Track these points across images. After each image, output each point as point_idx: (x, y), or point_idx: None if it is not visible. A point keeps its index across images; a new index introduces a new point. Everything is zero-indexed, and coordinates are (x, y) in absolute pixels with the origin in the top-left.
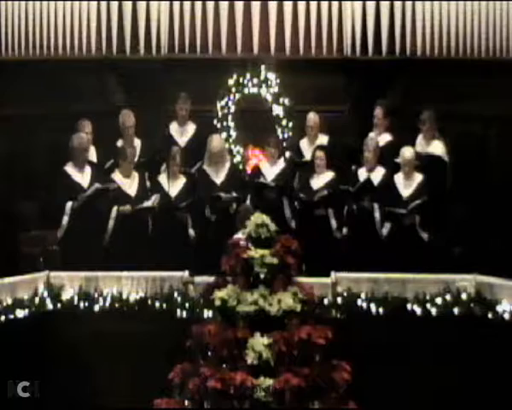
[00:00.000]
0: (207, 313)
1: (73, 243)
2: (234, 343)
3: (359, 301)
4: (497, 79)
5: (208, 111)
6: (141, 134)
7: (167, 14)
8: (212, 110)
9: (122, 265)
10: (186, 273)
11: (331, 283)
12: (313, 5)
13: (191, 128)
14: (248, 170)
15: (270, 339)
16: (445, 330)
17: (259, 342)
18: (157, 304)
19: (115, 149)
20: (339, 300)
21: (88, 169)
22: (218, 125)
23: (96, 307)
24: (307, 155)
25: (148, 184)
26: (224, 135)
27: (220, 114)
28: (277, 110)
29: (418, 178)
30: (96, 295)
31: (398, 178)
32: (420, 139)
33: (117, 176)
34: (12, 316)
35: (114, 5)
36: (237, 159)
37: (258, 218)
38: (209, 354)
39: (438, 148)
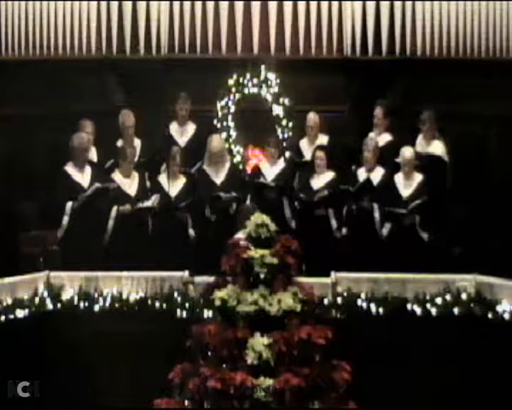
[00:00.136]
0: (207, 313)
1: (73, 243)
2: (234, 343)
3: (359, 301)
4: (497, 79)
5: (208, 111)
6: (141, 134)
7: (167, 14)
8: (212, 110)
9: (122, 265)
10: (186, 273)
11: (331, 283)
12: (313, 5)
13: (191, 128)
14: (248, 170)
15: (270, 339)
16: (445, 330)
17: (259, 342)
18: (157, 304)
19: (115, 149)
20: (339, 300)
21: (88, 169)
22: (218, 125)
23: (96, 307)
24: (307, 155)
25: (148, 184)
26: (224, 135)
27: (220, 114)
28: (277, 110)
29: (418, 178)
30: (96, 295)
31: (398, 178)
32: (420, 139)
33: (117, 176)
34: (12, 316)
35: (114, 5)
36: (237, 159)
37: (258, 218)
38: (209, 354)
39: (438, 148)
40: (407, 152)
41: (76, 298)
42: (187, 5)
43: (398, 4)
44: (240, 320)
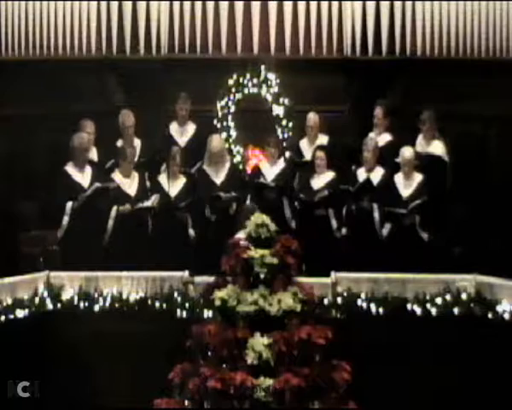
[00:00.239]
0: (207, 313)
1: (73, 243)
2: (234, 343)
3: (359, 301)
4: (497, 79)
5: (208, 111)
6: (141, 134)
7: (167, 14)
8: (212, 110)
9: (122, 265)
10: (186, 273)
11: (331, 283)
12: (313, 5)
13: (191, 128)
14: (248, 170)
15: (270, 339)
16: (445, 330)
17: (259, 342)
18: (157, 304)
19: (115, 149)
20: (339, 300)
21: (88, 169)
22: (218, 125)
23: (96, 307)
24: (307, 155)
25: (148, 184)
26: (224, 135)
27: (220, 114)
28: (277, 110)
29: (418, 178)
30: (96, 295)
31: (398, 178)
32: (420, 139)
33: (117, 176)
34: (12, 316)
35: (114, 5)
36: (237, 159)
37: (258, 218)
38: (209, 354)
39: (438, 148)
40: (407, 152)
41: (76, 298)
42: (187, 5)
43: (398, 4)
44: (240, 320)
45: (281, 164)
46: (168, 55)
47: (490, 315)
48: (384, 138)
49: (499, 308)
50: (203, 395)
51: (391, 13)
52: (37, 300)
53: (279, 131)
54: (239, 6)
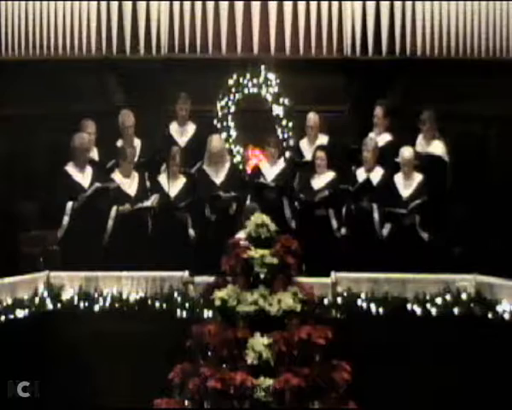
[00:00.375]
0: (207, 313)
1: (73, 243)
2: (234, 343)
3: (359, 301)
4: (497, 79)
5: (208, 111)
6: (141, 134)
7: (167, 14)
8: (212, 110)
9: (122, 265)
10: (186, 273)
11: (331, 283)
12: (313, 5)
13: (191, 128)
14: (248, 170)
15: (270, 339)
16: (445, 330)
17: (259, 342)
18: (157, 304)
19: (115, 149)
20: (339, 300)
21: (89, 169)
22: (218, 125)
23: (96, 307)
24: (307, 155)
25: (147, 184)
26: (224, 135)
27: (220, 114)
28: (277, 110)
29: (418, 178)
30: (96, 295)
31: (398, 178)
32: (420, 139)
33: (117, 176)
34: (12, 316)
35: (114, 5)
36: (237, 159)
37: (258, 218)
38: (209, 354)
39: (438, 148)
40: (406, 152)
41: (76, 298)
42: (187, 5)
43: (398, 4)
44: (240, 320)
45: (281, 164)
46: (168, 55)
47: (490, 315)
48: (384, 138)
49: (499, 308)
50: (203, 395)
51: (391, 13)
52: (37, 300)
53: (279, 131)
54: (239, 6)
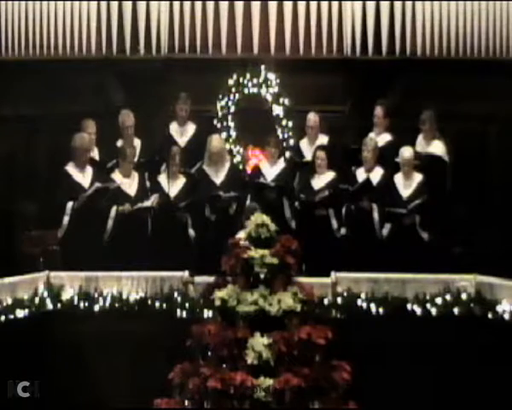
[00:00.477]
0: (207, 313)
1: (73, 243)
2: (234, 343)
3: (359, 301)
4: (497, 79)
5: (208, 111)
6: (141, 134)
7: (167, 14)
8: (212, 110)
9: (122, 265)
10: (186, 273)
11: (331, 283)
12: (313, 5)
13: (191, 128)
14: (248, 170)
15: (270, 339)
16: (445, 330)
17: (259, 342)
18: (157, 304)
19: (115, 149)
20: (339, 300)
21: (89, 169)
22: (218, 125)
23: (96, 307)
24: (307, 155)
25: (147, 184)
26: (224, 135)
27: (220, 114)
28: (277, 110)
29: (418, 177)
30: (96, 295)
31: (398, 178)
32: (420, 139)
33: (117, 176)
34: (12, 316)
35: (114, 5)
36: (237, 159)
37: (258, 218)
38: (209, 354)
39: (438, 148)
40: (406, 152)
41: (76, 298)
42: (187, 5)
43: (398, 4)
44: (240, 320)
45: (281, 164)
46: (168, 55)
47: (490, 315)
48: (384, 138)
49: (499, 308)
50: (203, 395)
51: (391, 13)
52: (37, 300)
53: (279, 131)
54: (239, 6)
